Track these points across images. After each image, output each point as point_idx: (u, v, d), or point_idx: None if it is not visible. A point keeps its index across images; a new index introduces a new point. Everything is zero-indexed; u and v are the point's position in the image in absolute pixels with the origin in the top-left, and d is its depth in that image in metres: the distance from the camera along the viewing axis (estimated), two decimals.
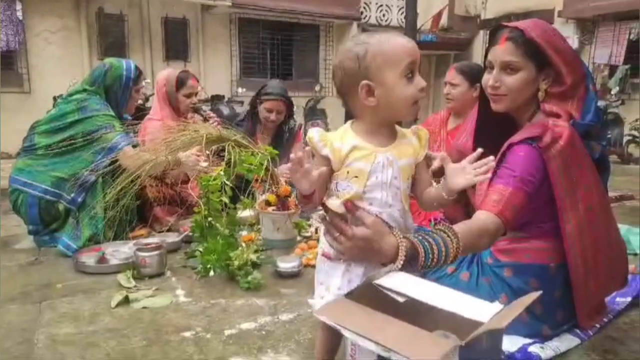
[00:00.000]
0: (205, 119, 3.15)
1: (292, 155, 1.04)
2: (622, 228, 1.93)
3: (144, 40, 8.90)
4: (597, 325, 1.55)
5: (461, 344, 0.78)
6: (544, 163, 1.33)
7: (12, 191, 2.50)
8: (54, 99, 6.70)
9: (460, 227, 1.17)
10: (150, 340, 1.55)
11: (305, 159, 1.04)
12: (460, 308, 0.90)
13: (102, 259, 2.19)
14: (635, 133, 7.63)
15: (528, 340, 1.45)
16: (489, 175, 1.14)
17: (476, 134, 1.62)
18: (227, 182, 2.12)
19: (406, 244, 1.08)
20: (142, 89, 2.87)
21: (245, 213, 2.49)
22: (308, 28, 10.57)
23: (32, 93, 8.01)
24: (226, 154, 2.34)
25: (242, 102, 8.36)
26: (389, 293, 0.96)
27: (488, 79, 1.46)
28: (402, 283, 0.99)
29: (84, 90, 2.55)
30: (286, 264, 2.09)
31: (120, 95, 2.63)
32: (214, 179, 2.12)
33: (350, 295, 0.99)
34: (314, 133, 1.13)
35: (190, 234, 2.34)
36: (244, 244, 2.20)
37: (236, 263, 2.03)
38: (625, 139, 7.64)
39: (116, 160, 2.41)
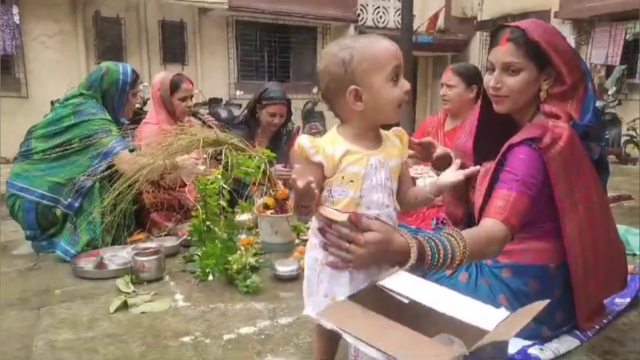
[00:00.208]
0: (204, 122, 3.14)
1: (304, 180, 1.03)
2: (621, 228, 1.93)
3: (141, 43, 8.90)
4: (597, 327, 1.55)
5: (465, 354, 0.77)
6: (544, 164, 1.34)
7: (9, 196, 2.49)
8: (52, 103, 6.68)
9: (468, 233, 1.18)
10: (149, 345, 1.55)
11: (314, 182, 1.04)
12: (466, 313, 0.89)
13: (100, 264, 2.19)
14: (633, 133, 7.66)
15: (527, 342, 1.45)
16: (478, 167, 1.17)
17: (477, 134, 1.62)
18: (224, 186, 2.12)
19: (416, 243, 1.09)
20: (139, 92, 2.87)
21: (243, 216, 2.48)
22: (305, 30, 10.59)
23: (29, 97, 8.01)
24: (223, 157, 2.33)
25: (240, 105, 8.35)
26: (393, 294, 0.96)
27: (489, 80, 1.47)
28: (406, 284, 0.99)
29: (81, 94, 2.55)
30: (285, 268, 2.09)
31: (117, 100, 2.62)
32: (212, 183, 2.12)
33: (353, 297, 0.98)
34: (305, 140, 1.13)
35: (189, 238, 2.34)
36: (242, 248, 2.20)
37: (235, 267, 2.02)
38: (622, 139, 7.66)
39: (113, 165, 2.41)
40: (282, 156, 2.88)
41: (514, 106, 1.47)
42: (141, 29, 8.87)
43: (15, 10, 7.62)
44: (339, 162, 1.11)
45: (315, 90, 10.37)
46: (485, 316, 0.89)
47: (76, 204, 2.43)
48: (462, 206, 1.69)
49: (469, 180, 1.59)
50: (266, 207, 2.52)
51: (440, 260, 1.10)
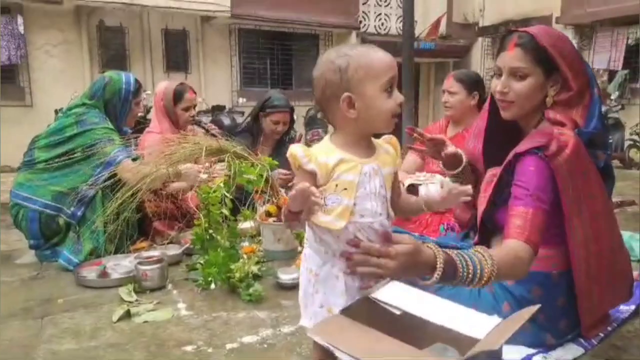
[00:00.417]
0: (207, 131, 3.15)
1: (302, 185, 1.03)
2: (625, 234, 1.92)
3: (145, 52, 8.96)
4: (601, 334, 1.54)
5: None
6: (552, 172, 1.34)
7: (13, 206, 2.50)
8: (56, 112, 6.75)
9: (495, 252, 1.18)
10: (152, 354, 1.54)
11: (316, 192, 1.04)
12: (457, 322, 0.89)
13: (103, 273, 2.19)
14: (636, 138, 7.63)
15: (532, 350, 1.44)
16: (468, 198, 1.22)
17: (486, 139, 1.62)
18: (227, 194, 2.12)
19: (443, 256, 1.09)
20: (142, 101, 2.88)
21: (245, 224, 2.48)
22: (307, 38, 10.64)
23: (33, 106, 8.07)
24: (226, 165, 2.34)
25: (242, 113, 8.39)
26: (386, 306, 0.96)
27: (496, 85, 1.47)
28: (398, 295, 0.99)
29: (83, 104, 2.56)
30: (287, 276, 2.08)
31: (119, 109, 2.64)
32: (214, 191, 2.12)
33: (346, 311, 0.98)
34: (297, 149, 1.13)
35: (191, 246, 2.34)
36: (245, 256, 2.20)
37: (237, 275, 2.02)
38: (626, 143, 7.64)
39: (116, 174, 2.42)
40: (285, 164, 2.88)
41: (521, 112, 1.47)
42: (144, 38, 8.94)
43: (20, 20, 7.70)
44: (332, 170, 1.12)
45: None
46: (478, 324, 0.89)
47: (79, 213, 2.44)
48: (470, 211, 1.69)
49: (477, 186, 1.60)
50: (268, 214, 2.52)
51: (469, 276, 1.10)
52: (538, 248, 1.28)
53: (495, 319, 0.90)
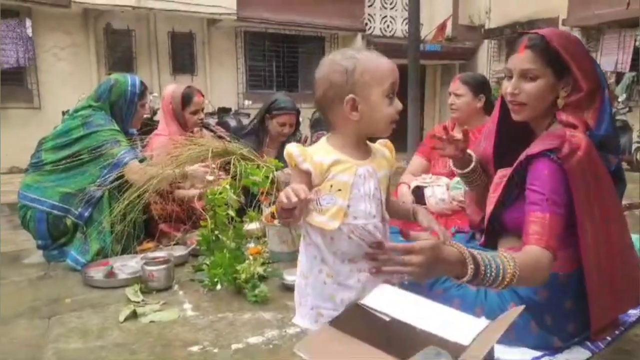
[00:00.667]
0: (215, 134, 3.16)
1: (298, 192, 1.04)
2: (633, 237, 1.91)
3: (151, 54, 9.01)
4: (609, 338, 1.53)
5: None
6: (565, 175, 1.33)
7: (21, 207, 2.52)
8: (63, 114, 6.80)
9: (516, 256, 1.19)
10: (157, 355, 1.55)
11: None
12: (445, 328, 0.89)
13: (110, 273, 2.20)
14: None
15: (538, 353, 1.43)
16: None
17: (496, 141, 1.62)
18: (233, 196, 2.13)
19: (468, 253, 1.10)
20: (148, 103, 2.90)
21: (251, 226, 2.49)
22: (313, 40, 10.66)
23: (41, 108, 8.13)
24: (232, 167, 2.35)
25: (248, 115, 8.41)
26: (375, 313, 0.96)
27: (507, 87, 1.47)
28: (388, 300, 0.99)
29: (90, 106, 2.58)
30: (293, 277, 2.05)
31: (125, 111, 2.65)
32: (220, 193, 2.13)
33: (335, 321, 0.99)
34: (293, 148, 1.15)
35: (198, 247, 2.35)
36: (250, 257, 2.20)
37: (243, 276, 2.03)
38: (634, 146, 7.59)
39: (122, 175, 2.43)
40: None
41: (532, 114, 1.47)
42: (151, 41, 8.99)
43: (28, 23, 7.76)
44: (327, 171, 1.13)
45: None
46: (465, 328, 0.89)
47: (86, 214, 2.45)
48: (482, 213, 1.69)
49: (487, 188, 1.59)
50: (274, 216, 2.53)
51: (492, 277, 1.11)
52: (557, 253, 1.28)
53: (483, 322, 0.91)
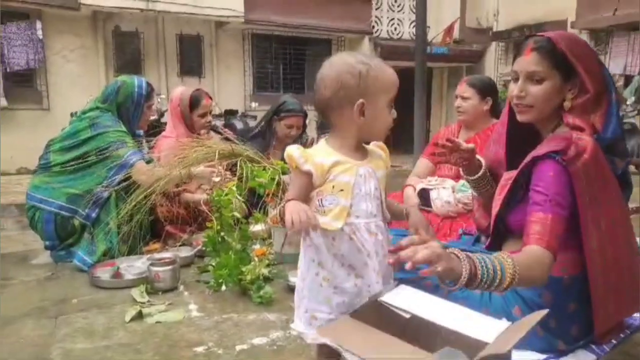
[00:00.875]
0: (222, 136, 3.18)
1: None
2: (639, 241, 1.89)
3: (159, 56, 9.07)
4: (614, 341, 1.52)
5: None
6: (570, 177, 1.33)
7: (29, 208, 2.55)
8: (71, 115, 6.85)
9: (516, 257, 1.19)
10: (163, 355, 1.56)
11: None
12: (467, 326, 0.89)
13: (116, 274, 2.22)
14: None
15: (542, 356, 1.42)
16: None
17: (507, 144, 1.62)
18: (239, 198, 2.14)
19: (464, 255, 1.09)
20: (155, 105, 2.91)
21: (257, 227, 2.50)
22: (320, 43, 10.67)
23: (50, 110, 8.20)
24: (238, 169, 2.36)
25: (255, 117, 8.43)
26: (394, 310, 0.96)
27: (513, 89, 1.47)
28: (406, 299, 0.99)
29: (97, 107, 2.61)
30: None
31: (132, 112, 2.67)
32: (226, 194, 2.14)
33: (355, 313, 0.99)
34: (294, 150, 1.17)
35: (203, 248, 2.36)
36: (256, 259, 2.21)
37: (248, 277, 2.04)
38: None
39: (130, 177, 2.45)
40: None
41: (539, 116, 1.46)
42: (159, 43, 9.04)
43: (38, 25, 7.84)
44: (327, 172, 1.14)
45: None
46: (487, 328, 0.89)
47: (93, 215, 2.48)
48: (489, 217, 1.68)
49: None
50: (280, 217, 2.54)
51: (490, 279, 1.10)
52: (557, 254, 1.28)
53: (504, 323, 0.90)
